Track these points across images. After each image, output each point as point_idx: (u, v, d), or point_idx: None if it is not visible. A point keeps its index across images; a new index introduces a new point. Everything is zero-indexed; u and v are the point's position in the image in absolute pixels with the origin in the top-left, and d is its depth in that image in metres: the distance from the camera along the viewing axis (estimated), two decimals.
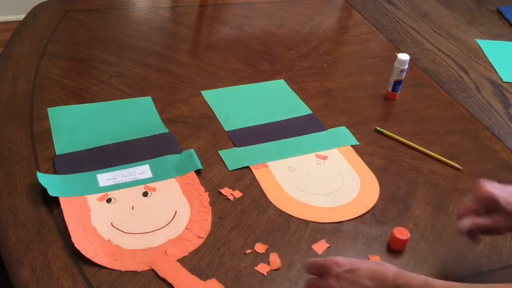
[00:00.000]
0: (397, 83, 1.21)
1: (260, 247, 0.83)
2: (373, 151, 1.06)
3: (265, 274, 0.79)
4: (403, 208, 0.94)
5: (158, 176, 0.93)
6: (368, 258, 0.83)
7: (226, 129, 1.07)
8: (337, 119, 1.14)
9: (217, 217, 0.87)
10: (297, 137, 1.07)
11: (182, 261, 0.79)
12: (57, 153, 0.96)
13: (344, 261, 0.72)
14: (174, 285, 0.75)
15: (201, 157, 0.98)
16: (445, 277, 0.81)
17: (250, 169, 0.98)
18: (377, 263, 0.73)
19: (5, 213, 0.83)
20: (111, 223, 0.83)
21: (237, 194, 0.92)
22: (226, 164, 0.98)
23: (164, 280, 0.76)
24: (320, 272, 0.74)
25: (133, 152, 0.98)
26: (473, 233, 0.77)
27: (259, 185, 0.95)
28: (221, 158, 0.99)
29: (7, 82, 1.13)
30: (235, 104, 1.16)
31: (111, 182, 0.91)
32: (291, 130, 1.09)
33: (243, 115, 1.12)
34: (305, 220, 0.89)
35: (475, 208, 0.77)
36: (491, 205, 0.75)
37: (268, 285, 0.77)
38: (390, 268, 0.70)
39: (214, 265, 0.79)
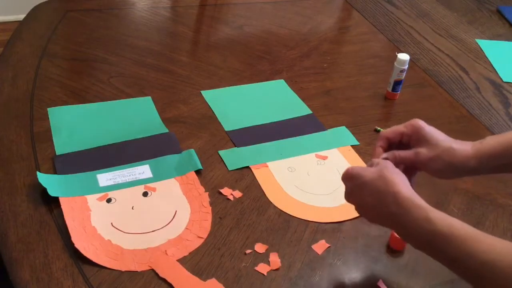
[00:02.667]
0: (397, 83, 1.21)
1: (260, 247, 0.83)
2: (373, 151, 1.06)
3: (265, 274, 0.79)
4: None
5: (158, 176, 0.93)
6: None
7: (226, 129, 1.07)
8: (337, 119, 1.14)
9: (217, 217, 0.87)
10: (297, 137, 1.07)
11: (182, 261, 0.79)
12: (57, 153, 0.96)
13: (357, 174, 0.73)
14: (174, 285, 0.75)
15: (201, 157, 0.98)
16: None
17: (250, 169, 0.98)
18: (381, 178, 0.70)
19: (5, 213, 0.83)
20: (111, 223, 0.83)
21: (237, 194, 0.92)
22: (226, 164, 0.98)
23: (164, 280, 0.76)
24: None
25: (133, 152, 0.98)
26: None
27: (259, 185, 0.95)
28: (221, 158, 0.99)
29: (7, 82, 1.13)
30: (235, 104, 1.16)
31: (111, 182, 0.91)
32: (291, 130, 1.09)
33: (243, 115, 1.12)
34: (305, 220, 0.89)
35: (401, 132, 0.79)
36: (416, 135, 0.77)
37: (268, 285, 0.77)
38: (391, 188, 0.69)
39: (214, 265, 0.79)
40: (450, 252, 0.63)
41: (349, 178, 0.74)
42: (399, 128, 0.79)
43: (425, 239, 0.65)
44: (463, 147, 0.76)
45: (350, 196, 0.75)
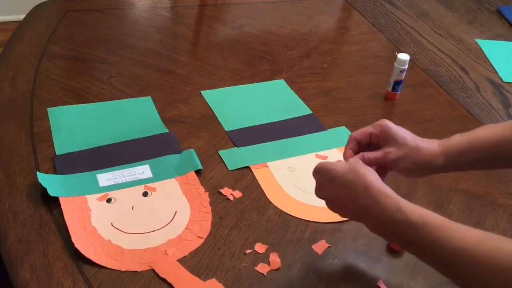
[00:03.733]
0: (397, 83, 1.21)
1: (260, 247, 0.83)
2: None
3: (265, 274, 0.79)
4: None
5: (158, 176, 0.93)
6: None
7: (226, 129, 1.07)
8: (337, 119, 1.14)
9: (217, 217, 0.87)
10: (297, 137, 1.07)
11: (182, 261, 0.79)
12: (57, 153, 0.96)
13: (328, 168, 0.73)
14: (174, 285, 0.75)
15: (201, 157, 0.98)
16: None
17: (250, 169, 0.98)
18: (351, 170, 0.71)
19: (5, 213, 0.83)
20: (111, 223, 0.83)
21: (237, 194, 0.92)
22: (226, 164, 0.98)
23: (164, 280, 0.76)
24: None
25: (133, 152, 0.98)
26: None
27: (259, 185, 0.95)
28: (221, 158, 0.99)
29: (7, 82, 1.13)
30: (235, 104, 1.16)
31: (111, 182, 0.91)
32: (291, 130, 1.09)
33: (243, 115, 1.12)
34: (305, 220, 0.89)
35: (369, 132, 0.79)
36: (383, 134, 0.78)
37: (268, 285, 0.77)
38: (362, 179, 0.69)
39: (214, 265, 0.79)
40: (422, 241, 0.63)
41: (319, 172, 0.75)
42: (368, 129, 0.80)
43: (396, 230, 0.66)
44: (430, 146, 0.77)
45: (320, 190, 0.75)
